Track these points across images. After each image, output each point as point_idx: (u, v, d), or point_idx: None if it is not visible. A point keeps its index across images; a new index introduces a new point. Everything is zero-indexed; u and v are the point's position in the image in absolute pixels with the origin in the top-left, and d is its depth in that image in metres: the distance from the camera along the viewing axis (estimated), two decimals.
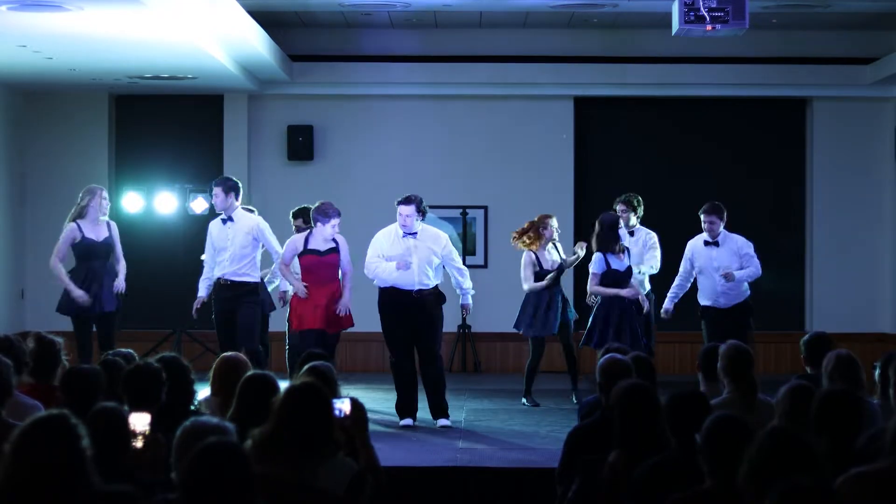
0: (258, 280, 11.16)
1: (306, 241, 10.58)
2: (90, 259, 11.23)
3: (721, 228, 11.53)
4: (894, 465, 4.41)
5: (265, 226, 11.12)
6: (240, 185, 11.24)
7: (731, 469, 4.14)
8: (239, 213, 11.12)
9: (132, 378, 5.81)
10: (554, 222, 11.79)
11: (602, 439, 5.94)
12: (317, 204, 10.68)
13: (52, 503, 3.86)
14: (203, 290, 11.11)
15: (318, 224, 10.56)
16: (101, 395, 5.78)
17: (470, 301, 10.86)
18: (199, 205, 13.68)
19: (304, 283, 10.46)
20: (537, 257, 11.69)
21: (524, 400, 11.75)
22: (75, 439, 3.94)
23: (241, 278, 10.96)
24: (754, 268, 11.42)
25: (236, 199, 11.11)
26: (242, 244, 10.95)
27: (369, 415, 5.58)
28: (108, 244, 11.35)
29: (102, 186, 11.77)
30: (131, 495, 3.95)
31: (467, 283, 10.76)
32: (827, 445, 4.80)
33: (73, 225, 11.26)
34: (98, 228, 11.33)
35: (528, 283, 11.68)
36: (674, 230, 13.09)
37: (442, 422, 10.44)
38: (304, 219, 11.87)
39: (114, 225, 11.47)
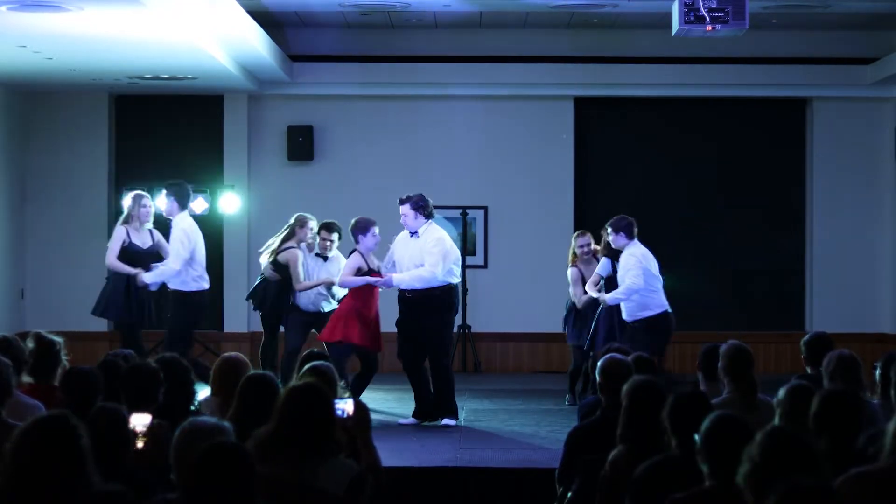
0: (189, 290, 11.12)
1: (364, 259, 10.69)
2: (135, 266, 11.28)
3: (622, 241, 10.73)
4: (894, 465, 4.41)
5: (176, 232, 11.07)
6: (181, 187, 11.28)
7: (731, 469, 4.14)
8: (177, 220, 11.16)
9: (130, 377, 5.81)
10: (584, 239, 11.57)
11: (602, 439, 5.93)
12: (354, 221, 10.71)
13: (52, 503, 3.86)
14: (149, 273, 11.13)
15: (362, 238, 10.59)
16: (101, 395, 5.79)
17: (391, 281, 10.45)
18: (199, 205, 13.66)
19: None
20: (581, 272, 11.53)
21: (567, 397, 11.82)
22: (76, 439, 3.94)
23: (177, 288, 11.11)
24: (622, 288, 10.64)
25: (178, 203, 11.17)
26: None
27: (370, 415, 5.58)
28: (152, 252, 11.41)
29: (145, 193, 11.81)
30: (126, 495, 3.95)
31: (403, 275, 10.43)
32: (827, 445, 4.79)
33: (123, 228, 11.38)
34: (143, 235, 11.41)
35: (577, 299, 11.43)
36: (673, 230, 13.09)
37: (444, 421, 10.45)
38: (340, 234, 11.62)
39: (156, 231, 11.57)
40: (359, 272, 10.63)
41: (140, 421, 5.06)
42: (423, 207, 10.46)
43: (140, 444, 5.00)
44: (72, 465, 3.90)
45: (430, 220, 10.53)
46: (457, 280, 10.63)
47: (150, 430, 5.06)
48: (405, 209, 10.45)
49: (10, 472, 3.88)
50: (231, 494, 3.89)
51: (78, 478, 3.89)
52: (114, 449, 4.76)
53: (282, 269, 11.34)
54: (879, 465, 4.45)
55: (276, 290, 11.46)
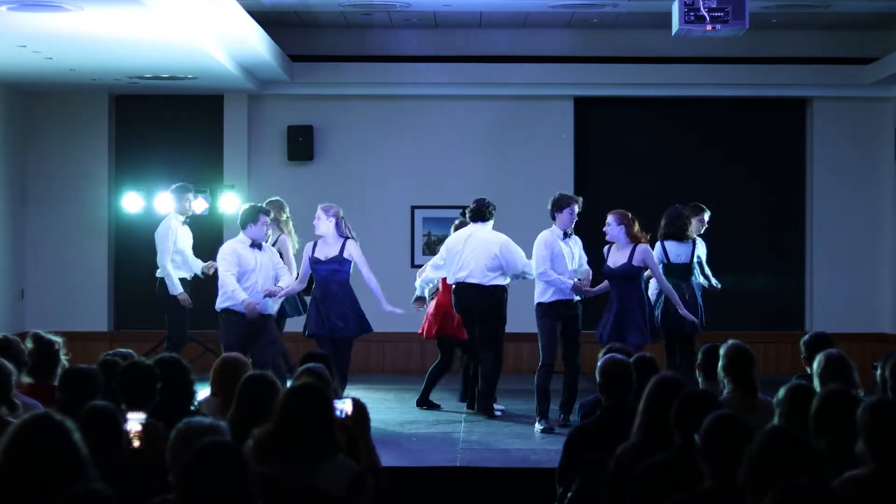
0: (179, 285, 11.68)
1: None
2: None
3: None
4: (889, 467, 4.41)
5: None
6: (179, 187, 11.87)
7: (731, 469, 4.14)
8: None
9: (126, 376, 5.81)
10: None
11: (602, 439, 5.93)
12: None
13: (40, 501, 3.85)
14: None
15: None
16: (100, 394, 5.79)
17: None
18: (200, 205, 13.66)
19: None
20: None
21: None
22: (67, 437, 3.93)
23: None
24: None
25: (175, 202, 11.84)
26: None
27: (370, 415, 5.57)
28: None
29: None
30: (106, 494, 3.92)
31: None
32: (826, 445, 4.79)
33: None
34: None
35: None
36: None
37: None
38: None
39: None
40: None
41: (134, 420, 5.05)
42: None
43: (136, 444, 4.99)
44: (65, 465, 3.89)
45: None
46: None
47: (145, 429, 5.05)
48: None
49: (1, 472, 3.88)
50: (226, 493, 3.89)
51: (71, 477, 3.88)
52: (107, 447, 4.74)
53: None
54: (871, 468, 4.44)
55: None
